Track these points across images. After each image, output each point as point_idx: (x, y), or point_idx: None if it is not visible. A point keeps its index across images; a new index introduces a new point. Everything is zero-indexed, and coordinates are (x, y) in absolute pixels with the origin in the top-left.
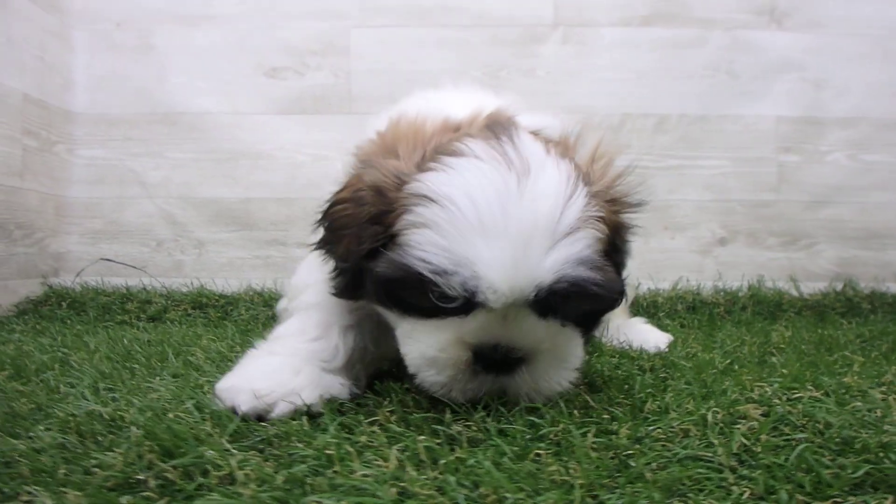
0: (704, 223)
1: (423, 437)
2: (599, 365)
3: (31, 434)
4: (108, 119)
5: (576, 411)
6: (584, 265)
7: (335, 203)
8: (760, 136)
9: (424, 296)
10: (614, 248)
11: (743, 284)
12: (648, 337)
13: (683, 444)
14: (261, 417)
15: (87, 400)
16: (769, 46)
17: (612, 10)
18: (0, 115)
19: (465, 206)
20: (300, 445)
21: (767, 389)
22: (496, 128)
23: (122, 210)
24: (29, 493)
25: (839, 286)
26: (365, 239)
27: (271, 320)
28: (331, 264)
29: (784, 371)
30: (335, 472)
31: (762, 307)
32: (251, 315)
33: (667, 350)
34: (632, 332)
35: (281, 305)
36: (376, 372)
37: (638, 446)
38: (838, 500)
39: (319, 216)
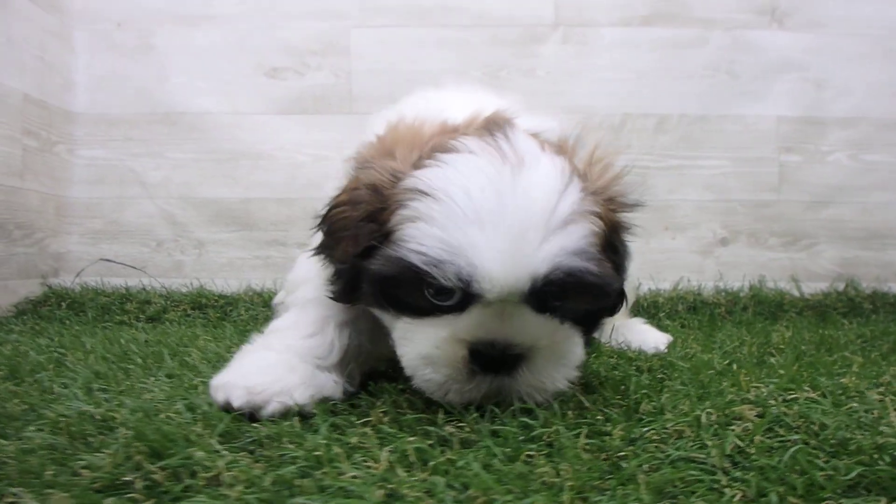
0: (705, 223)
1: (413, 439)
2: (596, 365)
3: (22, 435)
4: (109, 119)
5: (570, 412)
6: (579, 255)
7: (334, 206)
8: (761, 136)
9: (420, 293)
10: (612, 247)
11: (744, 285)
12: (647, 337)
13: (677, 446)
14: (253, 413)
15: (80, 400)
16: (770, 46)
17: (612, 10)
18: (0, 115)
19: (459, 197)
20: (291, 446)
21: (763, 390)
22: (492, 126)
23: (123, 210)
24: (14, 494)
25: (841, 286)
26: (361, 238)
27: (270, 321)
28: (330, 269)
29: (781, 372)
30: (324, 473)
31: (763, 307)
32: (250, 315)
33: (666, 351)
34: (631, 332)
35: (278, 299)
36: (371, 372)
37: (631, 447)
38: (831, 502)
39: (318, 220)
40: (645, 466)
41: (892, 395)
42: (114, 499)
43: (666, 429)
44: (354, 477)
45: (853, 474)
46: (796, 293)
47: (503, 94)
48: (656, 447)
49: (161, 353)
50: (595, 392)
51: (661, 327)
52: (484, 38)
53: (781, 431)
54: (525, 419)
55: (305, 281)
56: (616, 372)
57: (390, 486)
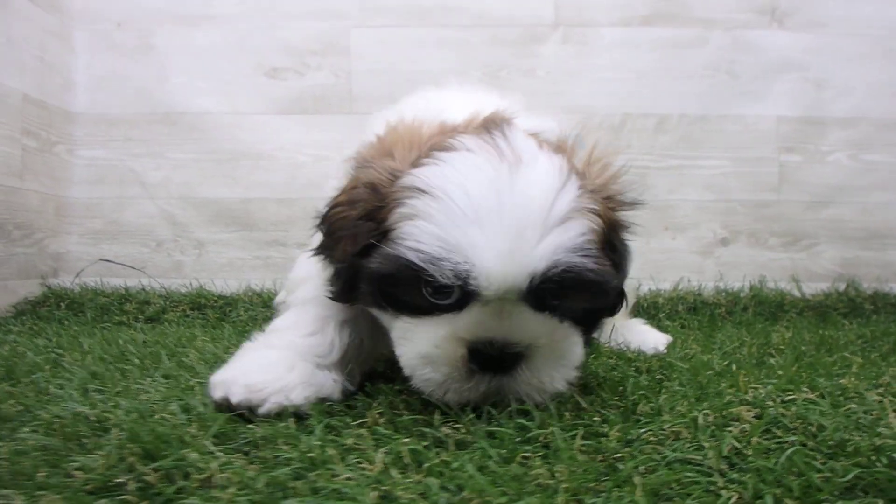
0: (705, 223)
1: (408, 440)
2: (595, 366)
3: (16, 436)
4: (109, 119)
5: (567, 413)
6: (577, 252)
7: (333, 206)
8: (761, 136)
9: (418, 292)
10: (611, 245)
11: (744, 285)
12: (647, 338)
13: (674, 447)
14: (252, 411)
15: (75, 402)
16: (770, 46)
17: (612, 9)
18: (0, 115)
19: (457, 195)
20: (286, 448)
21: (762, 391)
22: (490, 126)
23: (123, 210)
24: (4, 496)
25: (841, 286)
26: (360, 237)
27: (270, 321)
28: (329, 269)
29: (780, 373)
30: (318, 475)
31: (764, 308)
32: (250, 316)
33: (665, 351)
34: (630, 332)
35: (279, 298)
36: (369, 372)
37: (628, 449)
38: None
39: (318, 220)
40: (641, 468)
41: (891, 395)
42: (106, 500)
43: (663, 430)
44: (348, 479)
45: (850, 476)
46: (797, 293)
47: (505, 93)
48: (653, 449)
49: (158, 354)
50: (593, 393)
51: (662, 328)
52: (484, 38)
53: (779, 433)
54: (521, 420)
55: (306, 280)
56: (615, 373)
57: (384, 487)
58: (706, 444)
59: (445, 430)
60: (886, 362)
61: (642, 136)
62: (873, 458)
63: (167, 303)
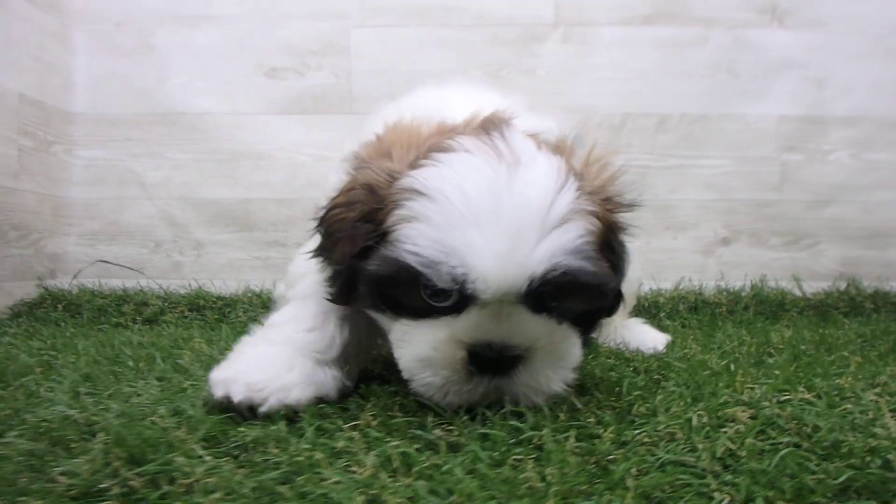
0: (706, 223)
1: (398, 443)
2: (592, 366)
3: (1, 441)
4: (108, 119)
5: (562, 415)
6: (575, 254)
7: (331, 208)
8: (762, 136)
9: (417, 294)
10: (609, 247)
11: (745, 284)
12: (646, 338)
13: (667, 449)
14: (252, 410)
15: (64, 405)
16: (770, 45)
17: (612, 9)
18: None
19: (454, 197)
20: (275, 451)
21: (758, 391)
22: (488, 126)
23: (122, 211)
24: None
25: (842, 286)
26: (358, 238)
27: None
28: (328, 271)
29: (777, 372)
30: (306, 479)
31: (765, 307)
32: (249, 317)
33: (664, 351)
34: (630, 332)
35: (278, 291)
36: (363, 374)
37: (621, 451)
38: None
39: (316, 222)
40: (634, 470)
41: (887, 395)
42: None
43: (658, 431)
44: (337, 482)
45: (843, 478)
46: (798, 293)
47: (506, 92)
48: (647, 450)
49: (153, 356)
50: (589, 394)
51: (662, 327)
52: (484, 38)
53: (773, 434)
54: (514, 422)
55: (305, 274)
56: (612, 373)
57: (372, 491)
58: (700, 446)
59: (438, 432)
60: (884, 361)
61: (643, 135)
62: (867, 459)
63: (165, 304)
